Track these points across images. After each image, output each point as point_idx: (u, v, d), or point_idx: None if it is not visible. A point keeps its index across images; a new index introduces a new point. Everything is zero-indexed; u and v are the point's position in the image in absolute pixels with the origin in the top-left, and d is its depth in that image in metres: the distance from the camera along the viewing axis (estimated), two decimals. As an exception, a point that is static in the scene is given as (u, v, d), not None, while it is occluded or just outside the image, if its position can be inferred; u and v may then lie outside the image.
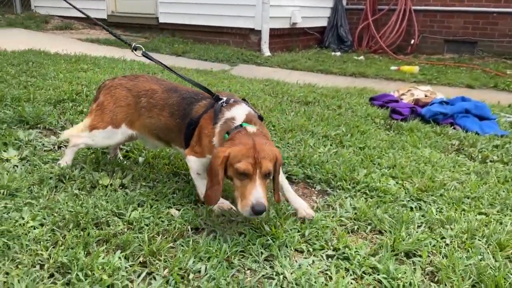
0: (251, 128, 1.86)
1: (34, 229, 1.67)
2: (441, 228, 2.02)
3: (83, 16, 8.75)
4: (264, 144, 1.77)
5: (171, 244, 1.69)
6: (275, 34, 7.77)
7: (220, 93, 2.07)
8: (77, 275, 1.43)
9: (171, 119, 2.07)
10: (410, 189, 2.39)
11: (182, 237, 1.75)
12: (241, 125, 1.87)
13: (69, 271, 1.46)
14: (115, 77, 2.28)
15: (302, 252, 1.78)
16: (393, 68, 7.05)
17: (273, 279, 1.58)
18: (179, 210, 1.97)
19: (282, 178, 2.10)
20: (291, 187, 2.38)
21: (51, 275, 1.46)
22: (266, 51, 7.47)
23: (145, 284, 1.47)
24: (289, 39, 8.35)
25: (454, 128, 3.76)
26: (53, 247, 1.58)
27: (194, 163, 2.00)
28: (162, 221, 1.85)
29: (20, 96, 3.19)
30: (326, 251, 1.78)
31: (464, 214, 2.16)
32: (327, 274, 1.65)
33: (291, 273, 1.60)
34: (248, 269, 1.63)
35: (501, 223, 2.10)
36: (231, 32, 7.71)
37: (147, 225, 1.79)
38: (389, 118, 3.91)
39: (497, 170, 2.80)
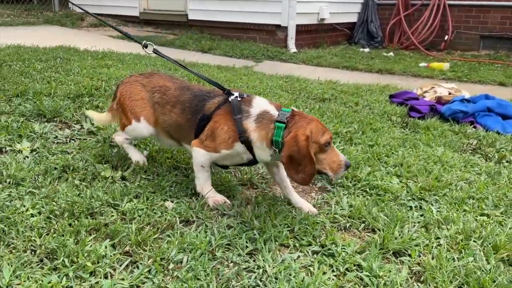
0: (297, 110, 1.97)
1: (32, 216, 1.77)
2: (437, 228, 1.99)
3: (117, 13, 8.97)
4: None
5: (158, 235, 1.74)
6: (302, 30, 7.73)
7: (231, 90, 2.08)
8: (63, 261, 1.51)
9: (182, 116, 2.11)
10: (413, 188, 2.35)
11: (172, 229, 1.80)
12: (288, 111, 1.93)
13: (57, 257, 1.54)
14: (132, 75, 2.36)
15: (288, 247, 1.79)
16: (422, 64, 6.88)
17: (254, 272, 1.60)
18: (174, 202, 2.02)
19: (286, 180, 2.15)
20: (293, 183, 2.41)
21: (41, 260, 1.54)
22: (292, 47, 7.45)
23: (127, 272, 1.53)
24: (317, 35, 8.28)
25: (474, 127, 3.64)
26: (47, 234, 1.66)
27: (202, 156, 2.03)
28: (155, 213, 1.91)
29: (42, 90, 3.34)
30: (313, 247, 1.79)
31: (464, 215, 2.11)
32: (309, 269, 1.66)
33: (272, 267, 1.62)
34: (231, 262, 1.66)
35: (502, 225, 2.04)
36: (258, 28, 7.73)
37: (139, 216, 1.86)
38: (406, 116, 3.84)
39: (511, 171, 2.71)
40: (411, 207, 2.21)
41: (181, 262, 1.59)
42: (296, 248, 1.79)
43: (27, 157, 2.32)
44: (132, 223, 1.78)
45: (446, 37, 8.68)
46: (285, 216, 1.96)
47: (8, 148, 2.39)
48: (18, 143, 2.47)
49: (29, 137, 2.57)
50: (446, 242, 1.89)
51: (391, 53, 7.98)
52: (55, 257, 1.54)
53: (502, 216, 2.13)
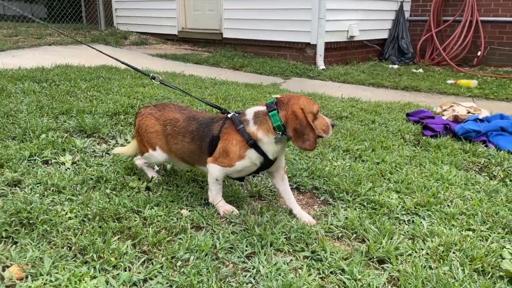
0: (279, 95, 2.32)
1: (70, 219, 2.13)
2: (422, 240, 2.19)
3: (157, 32, 9.57)
4: None
5: (172, 238, 2.05)
6: (331, 47, 7.98)
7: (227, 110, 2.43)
8: (92, 256, 1.85)
9: (193, 143, 2.42)
10: (408, 203, 2.56)
11: (184, 233, 2.11)
12: (272, 100, 2.28)
13: (87, 253, 1.88)
14: (148, 106, 2.69)
15: (283, 251, 2.06)
16: (449, 82, 6.95)
17: (249, 271, 1.88)
18: (188, 210, 2.34)
19: (290, 192, 2.45)
20: (299, 196, 2.68)
21: (75, 255, 1.88)
22: (321, 64, 7.70)
23: (143, 267, 1.85)
24: (346, 52, 8.50)
25: (486, 146, 3.77)
26: (80, 234, 2.01)
27: (217, 171, 2.33)
28: (172, 219, 2.22)
29: (84, 108, 3.77)
30: (304, 253, 2.04)
31: (451, 229, 2.30)
32: (298, 271, 1.92)
33: (266, 268, 1.90)
34: (231, 262, 1.95)
35: (485, 239, 2.22)
36: (289, 46, 8.04)
37: (158, 221, 2.18)
38: (420, 135, 4.01)
39: (510, 189, 2.86)
40: (404, 220, 2.43)
41: (188, 260, 1.90)
42: (290, 253, 2.05)
43: (69, 168, 2.71)
44: (151, 227, 2.11)
45: (479, 53, 8.68)
46: (283, 225, 2.23)
47: (53, 161, 2.80)
48: (62, 156, 2.87)
49: (71, 151, 2.97)
50: (427, 252, 2.10)
51: (420, 70, 8.07)
52: (86, 253, 1.88)
53: (488, 231, 2.31)
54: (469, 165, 3.33)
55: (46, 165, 2.77)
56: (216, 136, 2.33)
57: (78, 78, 4.97)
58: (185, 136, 2.44)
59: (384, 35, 9.27)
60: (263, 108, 2.29)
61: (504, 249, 2.14)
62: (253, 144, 2.24)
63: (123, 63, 3.02)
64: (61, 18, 11.96)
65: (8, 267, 1.78)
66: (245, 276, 1.85)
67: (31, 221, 2.07)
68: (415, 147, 3.69)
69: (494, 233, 2.30)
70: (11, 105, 3.70)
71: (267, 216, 2.31)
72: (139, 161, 2.65)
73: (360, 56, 8.89)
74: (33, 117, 3.48)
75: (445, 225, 2.37)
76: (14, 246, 1.92)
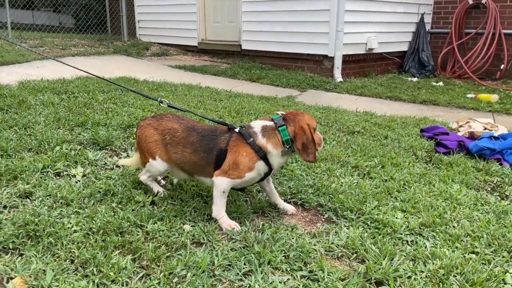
0: (283, 112, 2.54)
1: (75, 232, 2.19)
2: (423, 262, 2.17)
3: (178, 43, 9.77)
4: None
5: (172, 253, 2.09)
6: (349, 59, 7.97)
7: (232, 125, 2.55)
8: (92, 270, 1.90)
9: (195, 155, 2.48)
10: (412, 223, 2.54)
11: (184, 249, 2.14)
12: (278, 116, 2.47)
13: (87, 266, 1.93)
14: (145, 118, 2.76)
15: (281, 270, 2.07)
16: (469, 96, 6.85)
17: (245, 290, 1.91)
18: (191, 226, 2.37)
19: (273, 189, 2.71)
20: (303, 213, 2.70)
21: (76, 268, 1.94)
22: (338, 76, 7.70)
23: (141, 282, 1.89)
24: (365, 64, 8.47)
25: (501, 165, 3.70)
26: (84, 248, 2.07)
27: (226, 183, 2.40)
28: (173, 234, 2.26)
29: (99, 121, 3.88)
30: (302, 272, 2.05)
31: (453, 251, 2.27)
32: (293, 291, 1.93)
33: (261, 287, 1.91)
34: (228, 280, 1.97)
35: (487, 263, 2.19)
36: (306, 58, 8.07)
37: (160, 236, 2.22)
38: (433, 151, 3.97)
39: (521, 211, 2.80)
40: (407, 241, 2.40)
41: (185, 277, 1.93)
42: (288, 272, 2.06)
43: (79, 181, 2.79)
44: (152, 242, 2.15)
45: (502, 66, 8.54)
46: (283, 243, 2.24)
47: (64, 173, 2.88)
48: (74, 168, 2.96)
49: (83, 163, 3.06)
50: (427, 275, 2.07)
51: (441, 83, 7.98)
52: (87, 266, 1.94)
53: (492, 255, 2.27)
54: (480, 184, 3.28)
55: (58, 177, 2.85)
56: (224, 149, 2.40)
57: (97, 90, 5.10)
58: (185, 146, 2.51)
59: (404, 47, 9.20)
60: (270, 123, 2.45)
61: (507, 273, 2.10)
62: (263, 156, 2.38)
63: (125, 87, 3.08)
64: (87, 29, 12.32)
65: (12, 278, 1.84)
66: (240, 294, 1.87)
67: (37, 233, 2.14)
68: (427, 164, 3.65)
69: (499, 256, 2.25)
70: (29, 117, 3.83)
71: (267, 234, 2.33)
72: (143, 177, 2.71)
73: (379, 69, 8.84)
74: (49, 129, 3.59)
75: (449, 247, 2.34)
76: (19, 258, 1.99)
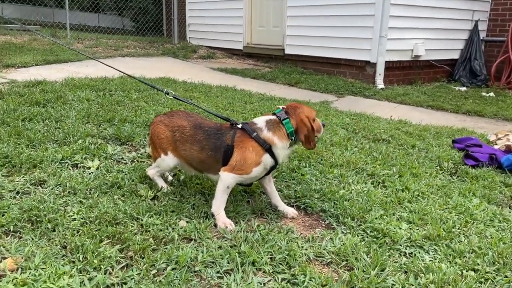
0: (283, 105, 2.61)
1: (74, 220, 2.30)
2: (414, 276, 2.08)
3: (225, 46, 9.98)
4: None
5: (158, 247, 2.14)
6: (393, 66, 7.75)
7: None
8: (78, 256, 1.99)
9: (203, 153, 2.54)
10: (415, 236, 2.43)
11: (172, 243, 2.19)
12: (279, 110, 2.55)
13: (75, 253, 2.02)
14: (158, 115, 2.85)
15: (264, 271, 2.06)
16: (520, 107, 6.43)
17: (220, 287, 1.91)
18: (187, 222, 2.42)
19: (275, 190, 2.72)
20: (304, 217, 2.67)
21: (65, 254, 2.04)
22: (380, 83, 7.50)
23: (122, 271, 1.95)
24: (410, 72, 8.20)
25: (534, 181, 3.45)
26: (78, 235, 2.17)
27: (232, 178, 2.44)
28: (166, 228, 2.32)
29: (126, 117, 4.04)
30: (284, 275, 2.03)
31: (449, 267, 2.15)
32: (270, 293, 1.91)
33: (239, 286, 1.91)
34: (208, 277, 1.99)
35: (484, 282, 2.05)
36: (349, 63, 7.94)
37: (153, 230, 2.28)
38: (461, 163, 3.78)
39: (541, 230, 2.60)
40: (405, 253, 2.31)
41: (165, 270, 1.97)
42: (270, 274, 2.04)
43: (92, 173, 2.92)
44: (142, 234, 2.21)
45: (563, 77, 7.95)
46: (272, 245, 2.23)
47: (81, 165, 3.03)
48: (91, 161, 3.10)
49: (101, 156, 3.20)
50: (415, 289, 1.98)
51: (492, 93, 7.55)
52: (74, 253, 2.03)
53: (494, 273, 2.12)
54: (504, 200, 3.08)
55: (74, 169, 3.00)
56: (230, 145, 2.46)
57: (133, 88, 5.31)
58: (193, 144, 2.57)
59: (455, 55, 8.80)
60: (273, 117, 2.54)
61: (505, 295, 1.97)
62: (269, 148, 2.44)
63: (134, 78, 3.19)
64: (144, 31, 12.85)
65: (5, 258, 1.97)
66: (215, 291, 1.88)
67: (38, 219, 2.27)
68: (451, 176, 3.48)
69: (501, 275, 2.11)
70: (62, 112, 4.07)
71: (259, 234, 2.32)
72: (151, 171, 2.79)
73: (426, 77, 8.52)
74: (78, 123, 3.79)
75: (449, 262, 2.22)
76: (18, 240, 2.12)
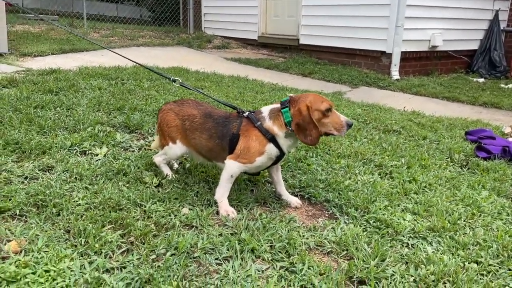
0: (293, 95, 2.48)
1: (79, 205, 2.34)
2: (414, 266, 2.06)
3: (239, 36, 9.94)
4: None
5: (159, 233, 2.16)
6: (410, 57, 7.63)
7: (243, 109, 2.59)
8: (80, 240, 2.03)
9: (211, 141, 2.56)
10: (418, 227, 2.40)
11: (173, 229, 2.21)
12: (286, 99, 2.44)
13: (77, 237, 2.06)
14: (168, 102, 2.86)
15: (263, 259, 2.06)
16: (539, 99, 6.27)
17: (219, 273, 1.93)
18: (189, 209, 2.44)
19: (281, 180, 2.69)
20: (308, 207, 2.66)
21: (68, 238, 2.08)
22: (395, 74, 7.39)
23: (122, 256, 1.98)
24: (428, 62, 8.05)
25: (548, 174, 3.37)
26: (81, 220, 2.21)
27: (236, 167, 2.45)
28: (169, 215, 2.34)
29: (136, 106, 4.07)
30: (283, 263, 2.03)
31: (451, 258, 2.13)
32: (267, 280, 1.91)
33: (237, 273, 1.92)
34: (207, 263, 2.00)
35: (486, 274, 2.02)
36: (364, 54, 7.84)
37: (155, 216, 2.31)
38: (473, 155, 3.71)
39: (551, 224, 2.54)
40: (407, 244, 2.29)
41: (164, 255, 1.99)
42: (269, 262, 2.05)
43: (99, 160, 2.96)
44: (144, 220, 2.24)
45: None
46: (272, 233, 2.23)
47: (89, 152, 3.08)
48: (99, 148, 3.14)
49: (109, 144, 3.24)
50: (415, 279, 1.96)
51: (511, 85, 7.37)
52: (76, 237, 2.07)
53: (497, 266, 2.09)
54: (514, 193, 3.02)
55: (83, 155, 3.05)
56: (236, 134, 2.46)
57: (145, 78, 5.35)
58: (202, 132, 2.58)
59: (474, 46, 8.61)
60: (277, 105, 2.48)
61: (507, 287, 1.93)
62: (272, 138, 2.41)
63: (141, 65, 3.20)
64: (161, 21, 12.89)
65: (9, 241, 2.02)
66: (213, 277, 1.90)
67: (44, 203, 2.31)
68: (462, 168, 3.42)
69: (504, 268, 2.07)
70: (74, 100, 4.12)
71: (260, 223, 2.33)
72: (158, 158, 2.81)
73: (444, 68, 8.36)
74: (89, 111, 3.84)
75: (451, 254, 2.19)
76: (23, 223, 2.17)
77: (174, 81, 2.88)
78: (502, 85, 7.35)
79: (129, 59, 3.41)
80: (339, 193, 2.77)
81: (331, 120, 2.38)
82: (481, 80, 7.75)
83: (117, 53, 3.44)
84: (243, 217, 2.39)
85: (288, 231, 2.28)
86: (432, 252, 2.20)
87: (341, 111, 4.75)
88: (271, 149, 2.42)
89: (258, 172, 2.66)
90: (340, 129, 2.40)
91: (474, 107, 6.03)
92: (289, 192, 2.73)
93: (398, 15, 7.10)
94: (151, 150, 3.13)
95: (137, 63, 3.40)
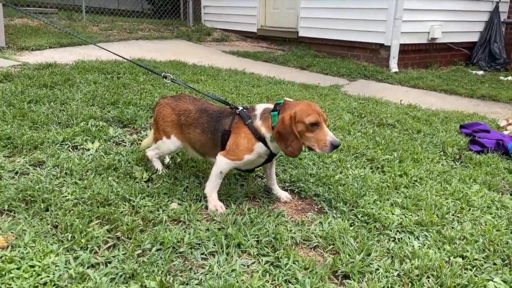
0: (290, 99, 2.42)
1: (67, 200, 2.35)
2: (399, 261, 2.06)
3: (239, 29, 9.87)
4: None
5: (146, 228, 2.18)
6: (409, 49, 7.59)
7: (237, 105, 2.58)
8: (67, 235, 2.04)
9: (204, 135, 2.56)
10: (406, 221, 2.41)
11: (160, 224, 2.22)
12: (281, 102, 2.39)
13: (63, 232, 2.07)
14: (165, 96, 2.86)
15: (249, 254, 2.08)
16: (538, 92, 6.23)
17: (204, 268, 1.94)
18: (178, 204, 2.45)
19: (273, 174, 2.68)
20: (297, 201, 2.67)
21: (55, 233, 2.09)
22: (394, 66, 7.36)
23: (108, 251, 1.99)
24: (427, 55, 8.01)
25: (541, 168, 3.36)
26: (69, 215, 2.22)
27: (226, 164, 2.44)
28: (157, 210, 2.35)
29: (131, 100, 4.07)
30: (268, 258, 2.04)
31: (436, 252, 2.13)
32: (252, 275, 1.93)
33: (221, 268, 1.94)
34: (193, 258, 2.02)
35: (471, 268, 2.03)
36: (363, 46, 7.80)
37: (143, 211, 2.32)
38: (466, 148, 3.70)
39: (540, 218, 2.54)
40: (394, 238, 2.29)
41: (150, 250, 2.01)
42: (254, 256, 2.06)
43: (90, 154, 2.97)
44: (131, 215, 2.25)
45: None
46: (259, 228, 2.24)
47: (80, 146, 3.09)
48: (91, 143, 3.15)
49: (101, 139, 3.25)
50: (399, 274, 1.97)
51: (510, 77, 7.34)
52: (63, 232, 2.08)
53: (482, 261, 2.10)
54: (505, 187, 3.01)
55: (75, 150, 3.06)
56: (228, 130, 2.46)
57: (141, 72, 5.34)
58: (196, 127, 2.59)
59: (474, 38, 8.55)
60: (271, 106, 2.43)
61: (491, 282, 1.94)
62: (261, 138, 2.39)
63: (129, 60, 3.20)
64: (161, 14, 12.85)
65: (-3, 236, 2.04)
66: (197, 272, 1.91)
67: (33, 199, 2.33)
68: (454, 162, 3.42)
69: (489, 263, 2.08)
70: (69, 94, 4.13)
71: (248, 217, 2.34)
72: (150, 152, 2.82)
73: (443, 60, 8.32)
74: (82, 105, 3.85)
75: (438, 248, 2.20)
76: (11, 219, 2.18)
77: (165, 77, 2.88)
78: (501, 78, 7.32)
79: (112, 53, 3.41)
80: (329, 187, 2.77)
81: (315, 135, 2.27)
82: (480, 72, 7.71)
83: (100, 47, 3.44)
84: (231, 212, 2.40)
85: (276, 226, 2.29)
86: (418, 246, 2.21)
87: (337, 105, 4.74)
88: (259, 147, 2.41)
89: (252, 169, 2.64)
90: (322, 148, 2.26)
91: (472, 100, 6.00)
92: (279, 187, 2.74)
93: (396, 7, 7.05)
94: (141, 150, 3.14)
95: (127, 59, 3.40)
